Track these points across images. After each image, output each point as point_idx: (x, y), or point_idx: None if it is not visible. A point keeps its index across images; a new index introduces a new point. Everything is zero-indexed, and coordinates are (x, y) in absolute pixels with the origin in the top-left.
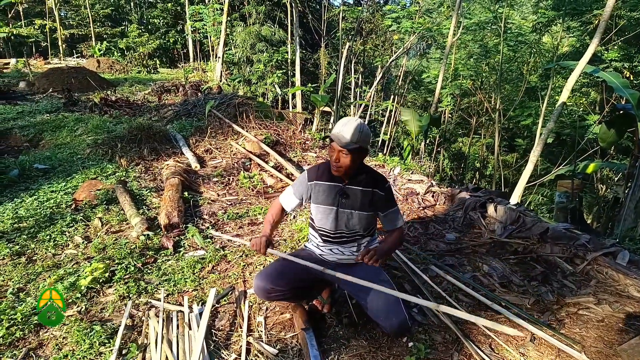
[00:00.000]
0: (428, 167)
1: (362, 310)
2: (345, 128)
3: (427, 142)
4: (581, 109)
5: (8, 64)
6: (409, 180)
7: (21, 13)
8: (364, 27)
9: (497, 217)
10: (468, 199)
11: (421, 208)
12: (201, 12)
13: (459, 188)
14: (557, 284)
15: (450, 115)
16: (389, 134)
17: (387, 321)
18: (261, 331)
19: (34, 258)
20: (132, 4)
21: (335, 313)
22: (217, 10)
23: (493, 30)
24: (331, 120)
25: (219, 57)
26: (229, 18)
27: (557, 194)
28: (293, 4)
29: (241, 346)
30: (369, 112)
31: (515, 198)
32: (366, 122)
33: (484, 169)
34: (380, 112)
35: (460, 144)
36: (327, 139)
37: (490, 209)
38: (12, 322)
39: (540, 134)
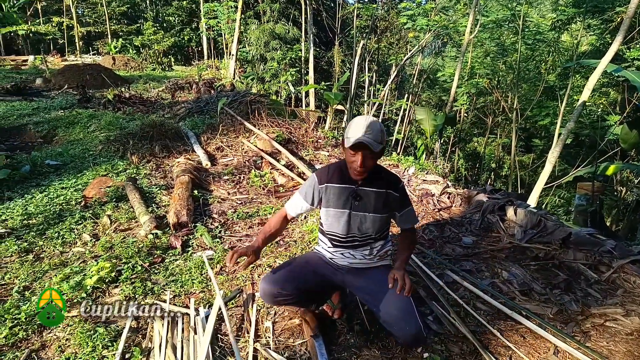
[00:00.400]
0: (443, 167)
1: (374, 317)
2: (369, 129)
3: (442, 141)
4: (600, 108)
5: (26, 60)
6: (424, 180)
7: (39, 11)
8: (378, 24)
9: (517, 221)
10: (486, 201)
11: (437, 210)
12: (215, 9)
13: (476, 189)
14: (581, 292)
15: (465, 114)
16: (402, 133)
17: (400, 330)
18: (269, 337)
19: (41, 255)
20: (147, 1)
21: (347, 319)
22: (231, 7)
23: (510, 28)
24: (344, 119)
25: (232, 55)
26: (243, 16)
27: (577, 197)
28: (307, 2)
29: (248, 352)
30: (382, 111)
31: (532, 200)
32: (380, 121)
33: (500, 170)
34: (394, 110)
35: (476, 143)
36: (343, 141)
37: (510, 212)
38: (15, 322)
39: (559, 135)
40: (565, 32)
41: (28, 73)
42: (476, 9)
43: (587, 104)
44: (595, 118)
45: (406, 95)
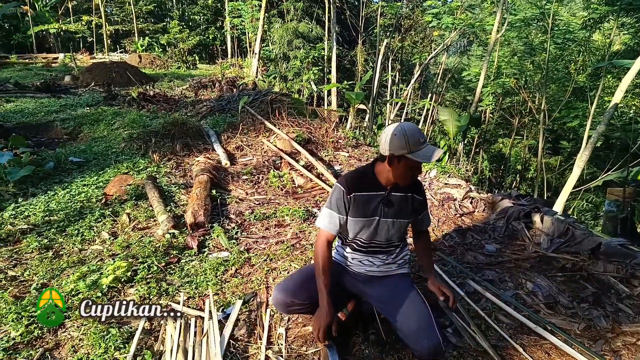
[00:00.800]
0: (466, 171)
1: (391, 327)
2: (425, 144)
3: (465, 142)
4: (633, 110)
5: (57, 58)
6: (446, 184)
7: (70, 10)
8: (402, 23)
9: (543, 229)
10: (511, 207)
11: (458, 215)
12: (240, 8)
13: (500, 195)
14: (611, 307)
15: (490, 115)
16: (425, 133)
17: (418, 343)
18: (281, 344)
19: (60, 253)
20: (174, 0)
21: (362, 329)
22: (255, 6)
23: (539, 27)
24: (366, 119)
25: (255, 54)
26: (267, 14)
27: (607, 203)
28: (331, 0)
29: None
30: (405, 111)
31: (559, 204)
32: (402, 121)
33: (525, 172)
34: (417, 110)
35: (501, 144)
36: (397, 155)
37: (536, 219)
38: (32, 319)
39: (589, 137)
40: (597, 31)
41: (58, 70)
42: (504, 7)
43: (619, 105)
44: (627, 120)
45: (429, 95)
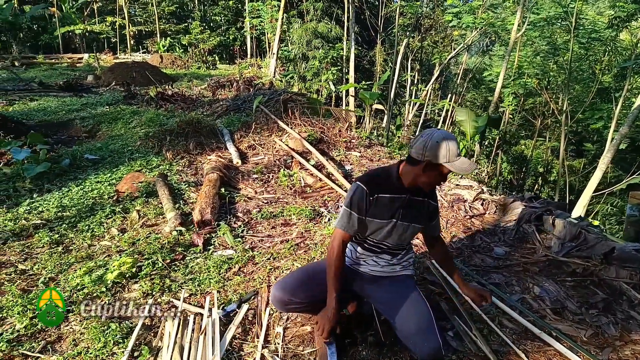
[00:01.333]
0: (481, 172)
1: (391, 329)
2: (460, 156)
3: (487, 143)
4: None
5: (81, 58)
6: (457, 185)
7: (95, 11)
8: (422, 22)
9: (555, 232)
10: (523, 209)
11: (468, 217)
12: (259, 8)
13: (512, 196)
14: (622, 315)
15: (511, 115)
16: None
17: (418, 346)
18: (278, 343)
19: (70, 248)
20: (195, 1)
21: (361, 331)
22: (274, 7)
23: (563, 26)
24: (384, 120)
25: (273, 54)
26: (286, 15)
27: (629, 207)
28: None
29: (255, 358)
30: (424, 111)
31: (580, 207)
32: (421, 122)
33: (548, 174)
34: (437, 111)
35: (523, 146)
36: (434, 163)
37: (548, 222)
38: (37, 312)
39: (612, 139)
40: (625, 30)
41: (82, 70)
42: (525, 6)
43: None
44: None
45: (449, 95)
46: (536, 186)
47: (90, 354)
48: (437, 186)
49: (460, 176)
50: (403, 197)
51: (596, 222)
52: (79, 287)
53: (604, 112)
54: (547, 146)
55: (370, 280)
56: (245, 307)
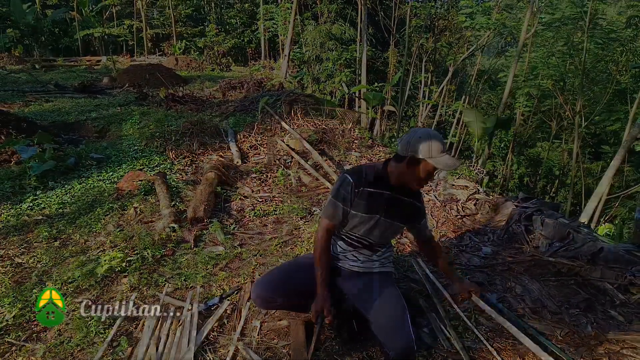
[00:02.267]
0: (479, 172)
1: (367, 327)
2: (446, 153)
3: (502, 146)
4: None
5: (99, 61)
6: (452, 185)
7: (114, 15)
8: (436, 23)
9: (544, 232)
10: (513, 209)
11: (459, 217)
12: (272, 11)
13: (504, 197)
14: (602, 315)
15: (522, 116)
16: (457, 136)
17: (390, 341)
18: (253, 337)
19: (67, 243)
20: (212, 4)
21: (337, 326)
22: (287, 9)
23: (579, 26)
24: (398, 122)
25: (285, 55)
26: (300, 17)
27: (638, 210)
28: (362, 1)
29: (229, 351)
30: (438, 113)
31: (589, 209)
32: (435, 123)
33: (564, 177)
34: (451, 113)
35: (540, 148)
36: (417, 158)
37: (537, 222)
38: (26, 303)
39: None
40: None
41: (99, 72)
42: (535, 6)
43: None
44: None
45: (463, 97)
46: (552, 189)
47: (72, 343)
48: (423, 185)
49: (457, 176)
50: (388, 193)
51: (609, 226)
52: (69, 280)
53: (620, 113)
54: (564, 148)
55: (348, 276)
56: (226, 302)
